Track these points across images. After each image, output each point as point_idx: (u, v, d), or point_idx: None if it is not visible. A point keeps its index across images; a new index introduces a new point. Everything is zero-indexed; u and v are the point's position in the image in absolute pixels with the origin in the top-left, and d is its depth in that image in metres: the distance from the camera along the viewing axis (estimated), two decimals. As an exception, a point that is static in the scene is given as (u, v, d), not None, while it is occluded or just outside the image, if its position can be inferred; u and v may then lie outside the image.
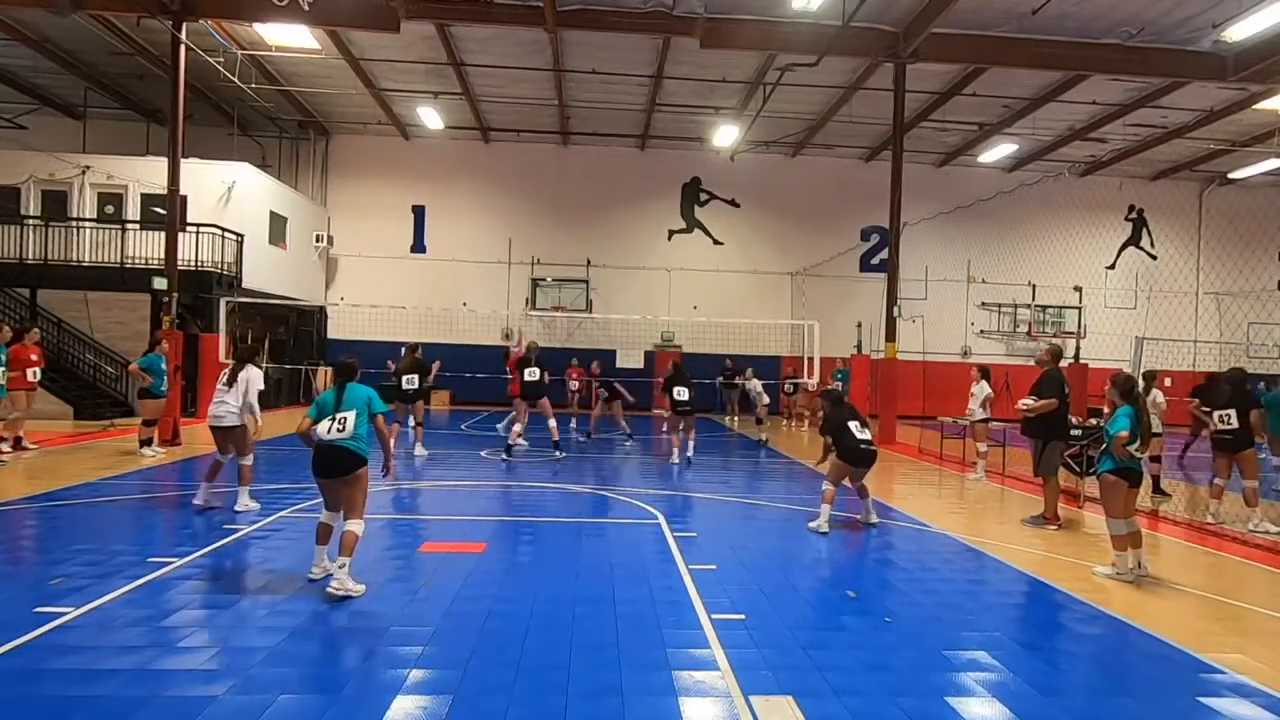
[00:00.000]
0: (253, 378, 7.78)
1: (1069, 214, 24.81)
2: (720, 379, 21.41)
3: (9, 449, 11.09)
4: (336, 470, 5.38)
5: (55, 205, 18.83)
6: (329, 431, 5.34)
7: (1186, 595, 6.10)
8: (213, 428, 7.84)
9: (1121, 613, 5.52)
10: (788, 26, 15.61)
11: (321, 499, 5.69)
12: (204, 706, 3.67)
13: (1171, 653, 4.82)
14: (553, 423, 12.70)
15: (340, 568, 5.20)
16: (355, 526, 5.38)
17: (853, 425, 7.96)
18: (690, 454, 12.69)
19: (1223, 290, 25.60)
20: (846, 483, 8.21)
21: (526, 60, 18.44)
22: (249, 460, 7.88)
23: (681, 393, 12.47)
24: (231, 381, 7.73)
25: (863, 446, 7.92)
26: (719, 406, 22.94)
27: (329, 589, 5.20)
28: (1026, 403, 8.60)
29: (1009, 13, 15.26)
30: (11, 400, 11.41)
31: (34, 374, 11.83)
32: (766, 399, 16.87)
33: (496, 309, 24.25)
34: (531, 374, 12.50)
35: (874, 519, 8.19)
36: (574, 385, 20.28)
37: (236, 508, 7.75)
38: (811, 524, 7.87)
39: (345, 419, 5.35)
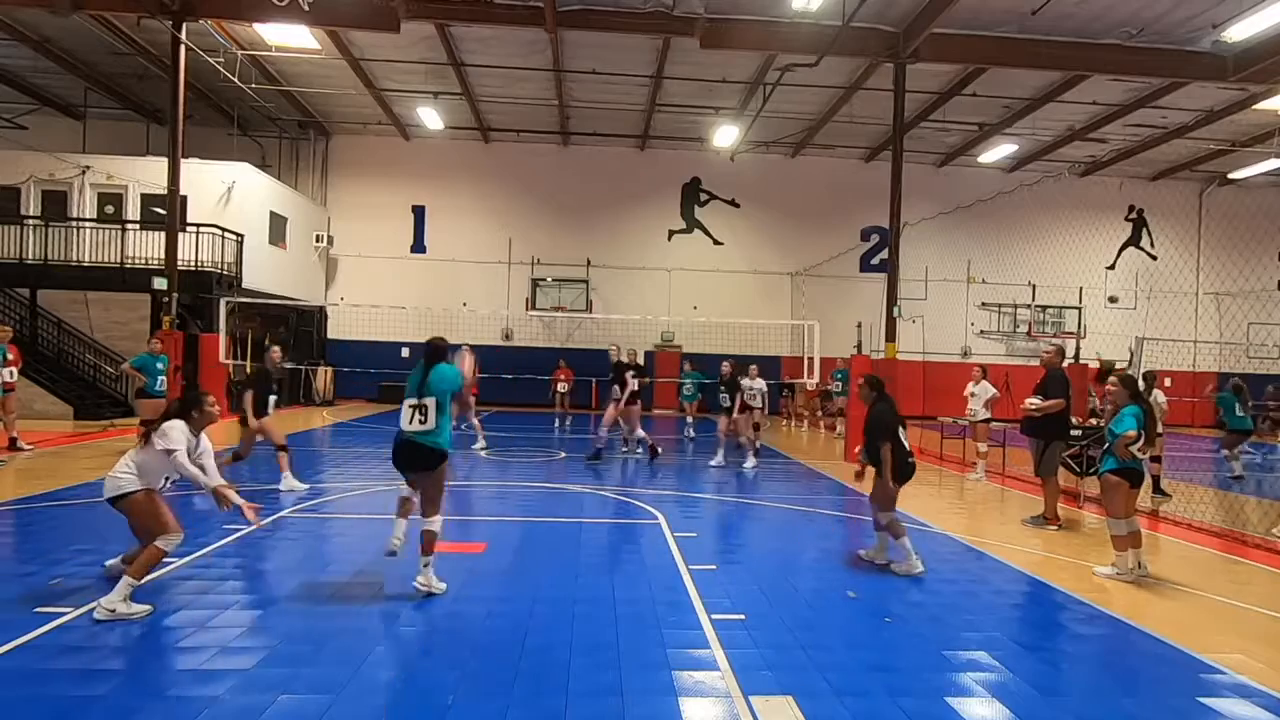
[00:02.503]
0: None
1: (1069, 214, 24.82)
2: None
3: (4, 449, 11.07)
4: (415, 465, 5.43)
5: (55, 205, 18.83)
6: (410, 422, 5.33)
7: (1187, 595, 6.10)
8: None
9: (1122, 613, 5.52)
10: (788, 27, 15.60)
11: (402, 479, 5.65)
12: (204, 706, 3.67)
13: (1172, 653, 4.82)
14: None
15: (425, 566, 5.35)
16: (434, 525, 5.41)
17: (902, 433, 6.43)
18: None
19: (1223, 290, 25.61)
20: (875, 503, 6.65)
21: (526, 60, 18.44)
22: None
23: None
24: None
25: (911, 459, 6.48)
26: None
27: (416, 584, 5.32)
28: (1034, 402, 8.60)
29: (1009, 13, 15.25)
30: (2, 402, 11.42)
31: (10, 374, 11.57)
32: (761, 404, 15.18)
33: (496, 309, 24.24)
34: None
35: (886, 558, 6.57)
36: (562, 388, 20.49)
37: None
38: (899, 567, 6.33)
39: (427, 408, 5.31)
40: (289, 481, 9.04)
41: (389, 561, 5.62)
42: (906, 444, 6.48)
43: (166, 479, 5.16)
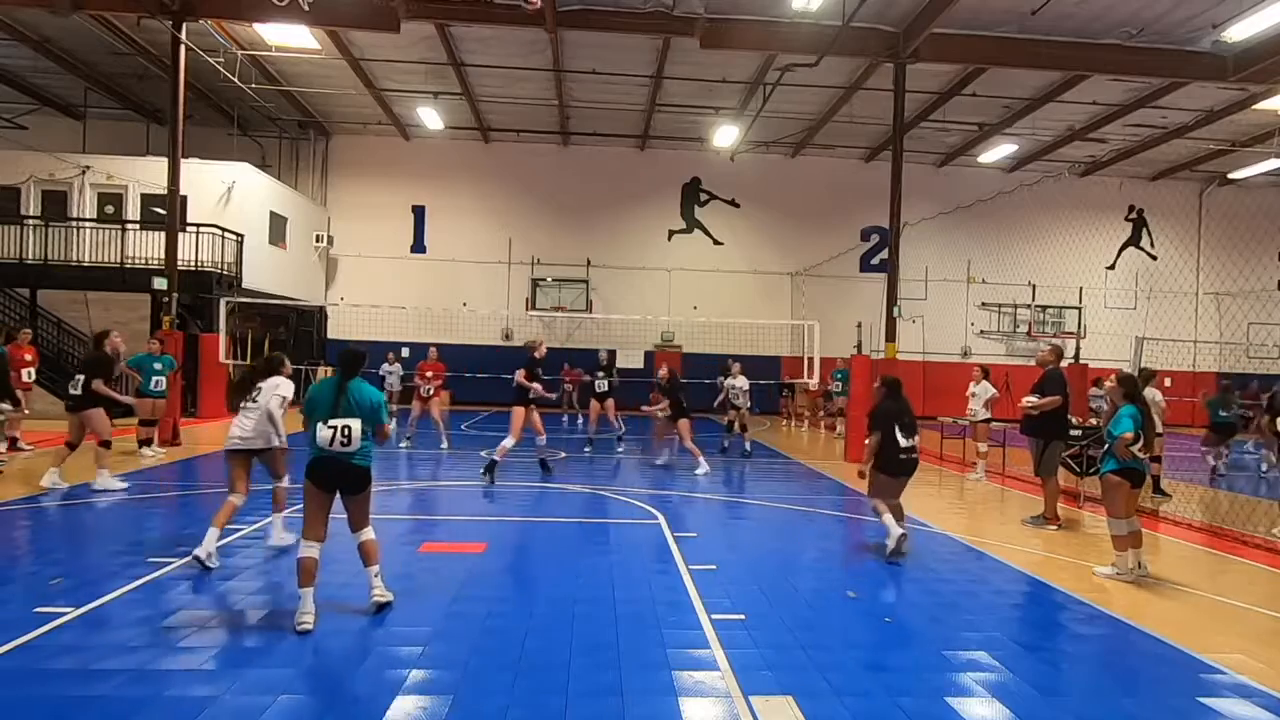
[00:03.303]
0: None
1: (1069, 214, 24.84)
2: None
3: (4, 450, 11.06)
4: (340, 485, 4.94)
5: (55, 205, 18.83)
6: (331, 442, 4.80)
7: (1187, 595, 6.10)
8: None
9: (1122, 613, 5.52)
10: (788, 27, 15.59)
11: (303, 522, 4.89)
12: (204, 706, 3.67)
13: (1172, 653, 4.82)
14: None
15: (375, 576, 5.06)
16: (372, 534, 5.10)
17: (898, 427, 6.71)
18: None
19: (1223, 290, 25.61)
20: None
21: (526, 60, 18.43)
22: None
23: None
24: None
25: (903, 456, 6.71)
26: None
27: (374, 600, 5.01)
28: (1031, 400, 8.61)
29: (1009, 13, 15.24)
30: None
31: (28, 374, 11.92)
32: (746, 403, 14.14)
33: (496, 309, 24.24)
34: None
35: (904, 548, 6.73)
36: (568, 386, 20.70)
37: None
38: (889, 546, 6.72)
39: (349, 429, 4.79)
40: (105, 480, 8.71)
41: (388, 562, 5.61)
42: (901, 440, 6.68)
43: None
